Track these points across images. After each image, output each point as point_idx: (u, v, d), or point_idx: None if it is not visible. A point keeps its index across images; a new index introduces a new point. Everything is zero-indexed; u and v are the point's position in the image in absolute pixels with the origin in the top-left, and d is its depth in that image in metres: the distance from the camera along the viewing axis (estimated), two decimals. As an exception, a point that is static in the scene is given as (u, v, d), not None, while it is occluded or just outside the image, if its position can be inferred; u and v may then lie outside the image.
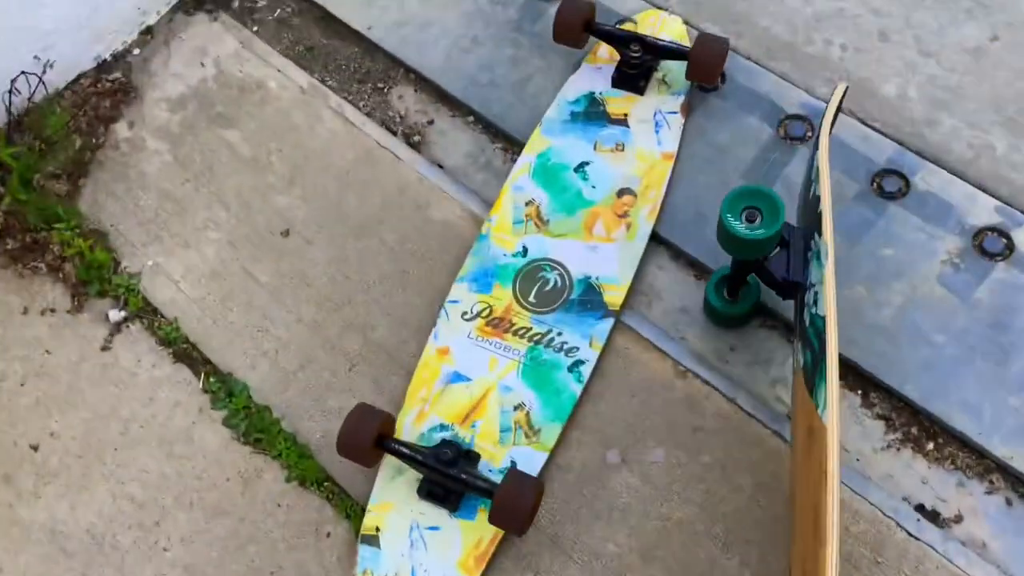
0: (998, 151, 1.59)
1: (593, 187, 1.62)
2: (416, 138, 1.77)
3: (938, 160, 1.60)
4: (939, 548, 1.33)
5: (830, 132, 1.36)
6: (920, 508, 1.38)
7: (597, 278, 1.55)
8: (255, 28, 1.93)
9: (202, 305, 1.63)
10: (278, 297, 1.62)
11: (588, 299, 1.53)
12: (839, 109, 1.38)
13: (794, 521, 1.30)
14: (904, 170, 1.59)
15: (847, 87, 1.39)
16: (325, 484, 1.48)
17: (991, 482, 1.39)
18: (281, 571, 1.42)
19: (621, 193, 1.61)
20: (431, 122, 1.79)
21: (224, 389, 1.56)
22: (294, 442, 1.51)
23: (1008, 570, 1.32)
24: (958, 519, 1.36)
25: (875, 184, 1.59)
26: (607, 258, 1.56)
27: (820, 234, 1.24)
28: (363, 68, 1.86)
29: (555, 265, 1.56)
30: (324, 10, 1.91)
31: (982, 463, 1.40)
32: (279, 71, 1.84)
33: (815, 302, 1.22)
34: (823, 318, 1.17)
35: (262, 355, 1.58)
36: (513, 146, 1.73)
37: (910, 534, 1.34)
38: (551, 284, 1.55)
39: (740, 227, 1.25)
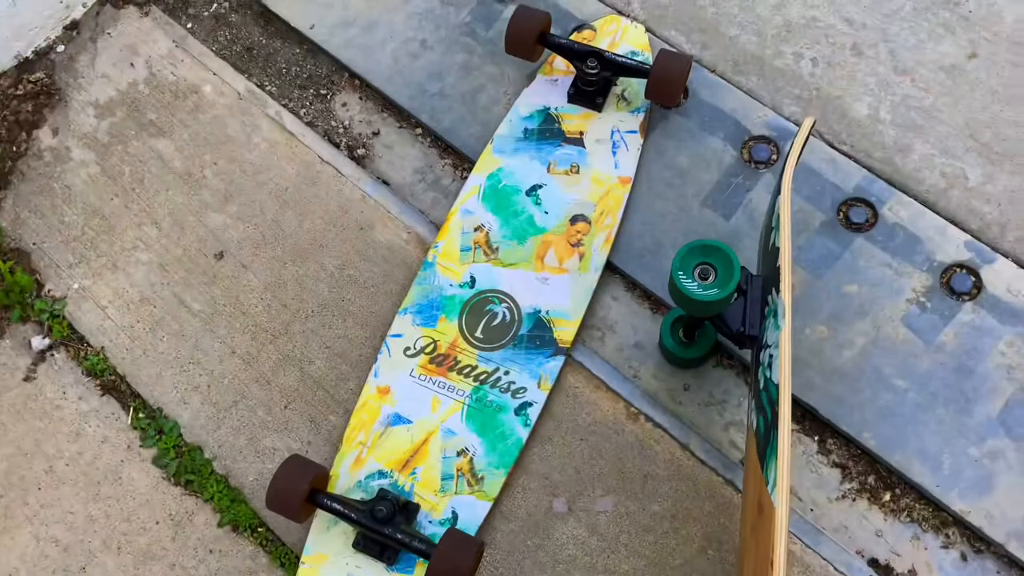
0: (971, 181, 1.51)
1: (546, 213, 1.53)
2: (360, 151, 1.66)
3: (908, 189, 1.52)
4: (892, 607, 1.29)
5: (793, 174, 1.27)
6: (873, 563, 1.33)
7: (548, 312, 1.47)
8: (190, 25, 1.79)
9: (131, 334, 1.54)
10: (211, 326, 1.53)
11: (538, 335, 1.46)
12: (804, 145, 1.29)
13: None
14: (872, 199, 1.51)
15: (814, 121, 1.30)
16: (259, 530, 1.41)
17: (947, 536, 1.34)
18: (212, 622, 1.37)
19: (575, 220, 1.52)
20: (376, 133, 1.68)
21: (154, 426, 1.48)
22: (226, 484, 1.44)
23: (961, 629, 1.28)
24: (911, 574, 1.32)
25: (841, 214, 1.51)
26: (559, 290, 1.48)
27: (778, 291, 1.16)
28: (305, 72, 1.74)
29: (504, 298, 1.48)
30: (264, 6, 1.78)
31: (939, 516, 1.35)
32: (215, 74, 1.72)
33: (770, 365, 1.15)
34: (777, 386, 1.10)
35: (193, 389, 1.50)
36: (463, 162, 1.64)
37: (862, 588, 1.31)
38: (499, 318, 1.47)
39: (693, 287, 1.17)
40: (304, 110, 1.71)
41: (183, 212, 1.62)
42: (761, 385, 1.19)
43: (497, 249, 1.51)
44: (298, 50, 1.76)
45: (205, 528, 1.42)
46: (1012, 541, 1.31)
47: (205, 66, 1.73)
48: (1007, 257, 1.46)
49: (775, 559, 1.01)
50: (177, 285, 1.57)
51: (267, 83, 1.73)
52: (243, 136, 1.67)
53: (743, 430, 1.43)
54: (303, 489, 1.28)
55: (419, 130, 1.67)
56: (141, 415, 1.49)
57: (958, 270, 1.46)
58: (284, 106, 1.70)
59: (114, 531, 1.43)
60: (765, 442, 1.13)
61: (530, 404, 1.41)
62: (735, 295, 1.25)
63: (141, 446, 1.48)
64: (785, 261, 1.16)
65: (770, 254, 1.24)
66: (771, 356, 1.15)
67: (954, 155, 1.53)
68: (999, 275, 1.45)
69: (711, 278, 1.18)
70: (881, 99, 1.59)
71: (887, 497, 1.37)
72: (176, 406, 1.49)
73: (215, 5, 1.81)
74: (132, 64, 1.74)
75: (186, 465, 1.45)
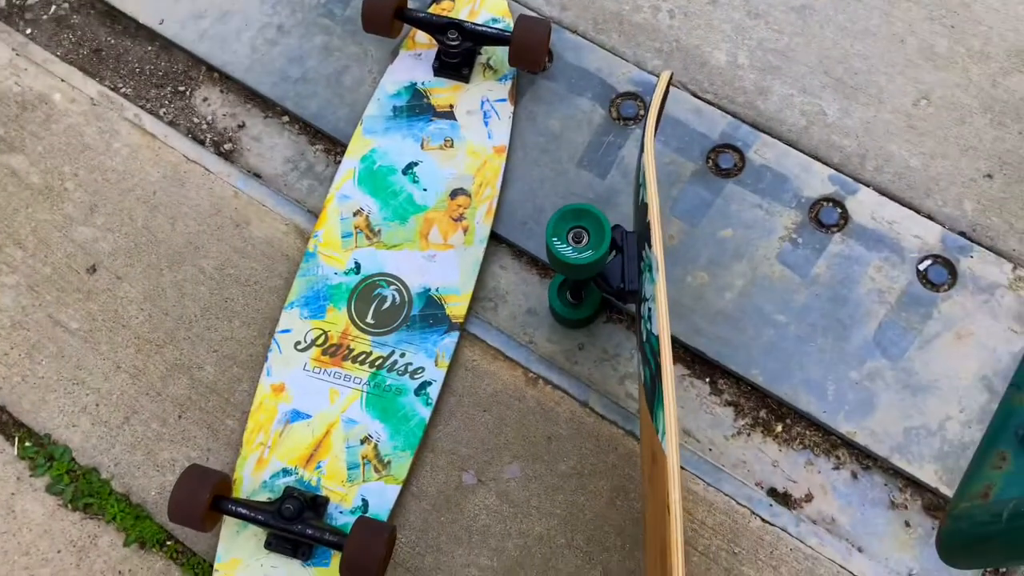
0: (829, 117, 1.57)
1: (424, 190, 1.52)
2: (227, 146, 1.62)
3: (771, 131, 1.57)
4: (792, 531, 1.36)
5: (655, 131, 1.29)
6: (772, 492, 1.40)
7: (437, 290, 1.47)
8: (29, 31, 1.70)
9: (6, 362, 1.47)
10: (92, 343, 1.48)
11: (430, 314, 1.46)
12: (664, 101, 1.32)
13: (645, 529, 1.30)
14: (739, 144, 1.56)
15: (671, 76, 1.33)
16: (168, 544, 1.38)
17: (837, 458, 1.41)
18: (130, 643, 1.34)
19: (455, 194, 1.52)
20: (242, 126, 1.63)
21: (43, 453, 1.43)
22: (128, 503, 1.40)
23: (856, 542, 1.36)
24: (808, 498, 1.39)
25: (710, 161, 1.55)
26: (446, 267, 1.48)
27: (650, 245, 1.19)
28: (159, 70, 1.67)
29: (391, 280, 1.47)
30: (108, 4, 1.70)
31: (828, 440, 1.42)
32: (63, 81, 1.64)
33: (649, 318, 1.18)
34: (657, 337, 1.13)
35: (81, 411, 1.45)
36: (335, 147, 1.61)
37: (764, 520, 1.36)
38: (389, 302, 1.46)
39: (567, 251, 1.19)
40: (163, 110, 1.65)
41: (47, 228, 1.55)
42: (644, 338, 1.22)
43: (379, 232, 1.50)
44: (150, 48, 1.69)
45: (111, 550, 1.38)
46: (895, 454, 1.39)
47: (51, 73, 1.64)
48: (868, 186, 1.53)
49: (670, 505, 1.05)
50: (50, 305, 1.50)
51: (121, 85, 1.66)
52: (102, 143, 1.60)
53: (637, 381, 1.46)
54: (205, 498, 1.25)
55: (286, 118, 1.64)
56: (28, 444, 1.43)
57: (825, 204, 1.52)
58: (142, 107, 1.63)
59: (13, 567, 1.38)
60: (652, 393, 1.16)
61: (429, 383, 1.42)
62: (610, 254, 1.27)
63: (32, 476, 1.42)
64: (654, 216, 1.19)
65: (640, 210, 1.27)
66: (650, 309, 1.19)
67: (811, 93, 1.59)
68: (862, 204, 1.52)
69: (584, 241, 1.20)
70: (738, 44, 1.63)
71: (779, 428, 1.43)
72: (65, 430, 1.44)
73: (54, 7, 1.72)
74: (-29, 78, 1.64)
75: (82, 489, 1.41)
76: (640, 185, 1.26)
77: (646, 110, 1.58)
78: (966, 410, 1.40)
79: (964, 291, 1.46)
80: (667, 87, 1.33)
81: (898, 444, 1.39)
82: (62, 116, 1.62)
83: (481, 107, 1.57)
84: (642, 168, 1.24)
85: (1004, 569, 1.35)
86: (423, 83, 1.59)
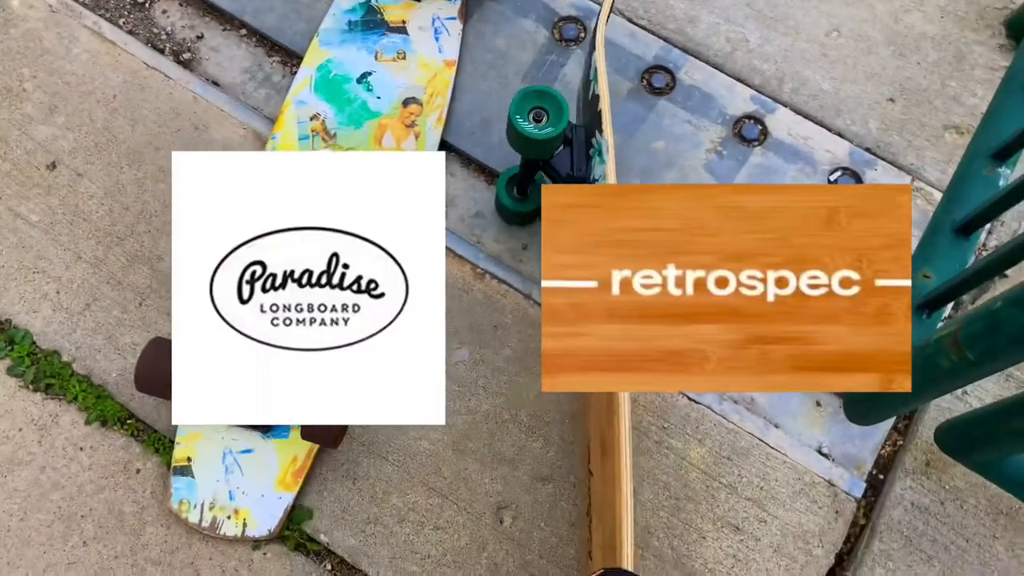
0: (751, 44, 1.72)
1: (378, 98, 1.62)
2: (186, 56, 1.68)
3: (700, 55, 1.71)
4: (716, 409, 1.49)
5: (604, 33, 1.42)
6: (698, 375, 1.53)
7: (390, 189, 1.56)
8: (-13, -61, 1.73)
9: (-35, 251, 1.51)
10: (53, 235, 1.52)
11: (382, 211, 1.55)
12: (612, 10, 1.44)
13: (588, 405, 1.41)
14: (670, 66, 1.69)
15: (612, -12, 1.45)
16: (128, 422, 1.44)
17: (756, 345, 1.56)
18: (92, 513, 1.39)
19: (407, 103, 1.62)
20: (201, 37, 1.70)
21: (3, 338, 1.47)
22: (89, 383, 1.45)
23: (773, 420, 1.50)
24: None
25: (645, 81, 1.69)
26: (398, 169, 1.58)
27: (601, 131, 1.31)
28: (119, -19, 1.73)
29: (346, 179, 1.56)
30: (66, -84, 1.75)
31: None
32: (22, -13, 1.68)
33: (595, 197, 1.30)
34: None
35: (42, 298, 1.49)
36: (292, 59, 1.69)
37: (690, 399, 1.50)
38: (344, 199, 1.55)
39: (529, 127, 1.29)
40: (123, 19, 1.70)
41: (6, 127, 1.58)
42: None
43: (335, 135, 1.58)
44: (109, -40, 1.75)
45: (72, 428, 1.43)
46: (807, 341, 1.54)
47: (10, -20, 1.68)
48: (786, 106, 1.68)
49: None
50: (11, 199, 1.54)
51: (80, -6, 1.71)
52: (61, 48, 1.64)
53: (578, 278, 1.58)
54: (170, 365, 1.32)
55: (244, 31, 1.71)
56: (-12, 329, 1.48)
57: (747, 121, 1.67)
58: (102, 16, 1.68)
59: (-26, 445, 1.42)
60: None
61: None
62: (562, 140, 1.38)
63: (-8, 359, 1.46)
64: (605, 105, 1.31)
65: (590, 102, 1.38)
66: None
67: (735, 22, 1.74)
68: (780, 122, 1.67)
69: (544, 120, 1.31)
70: (670, -23, 1.77)
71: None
72: (25, 316, 1.48)
73: (12, -82, 1.76)
74: (-73, -18, 1.67)
75: (44, 370, 1.45)
76: (591, 80, 1.38)
77: (586, 32, 1.70)
78: (869, 302, 1.56)
79: (869, 199, 1.62)
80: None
81: (810, 332, 1.54)
82: (20, 21, 1.66)
83: (432, 24, 1.67)
84: (593, 65, 1.36)
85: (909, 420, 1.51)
86: (377, 0, 1.68)
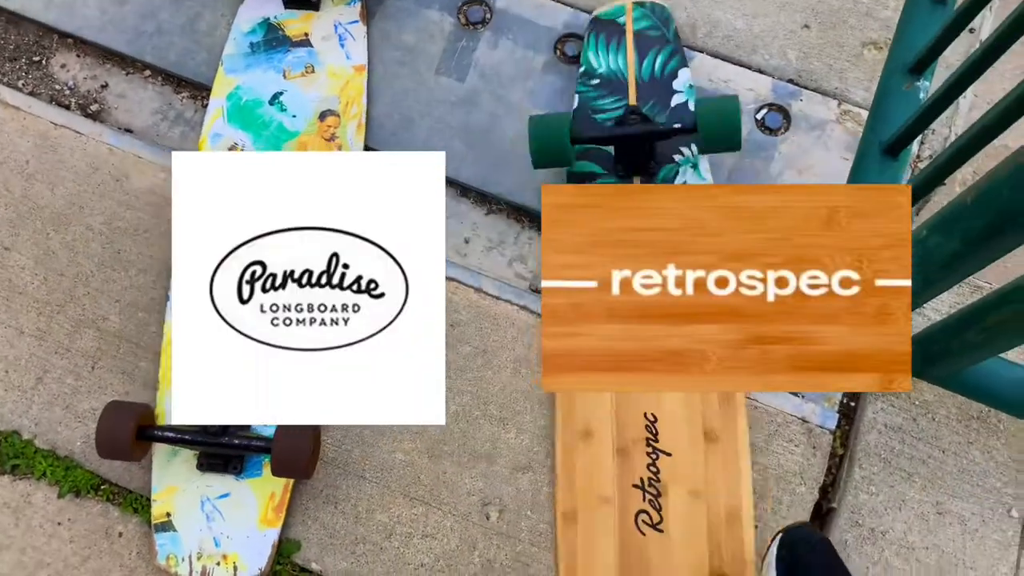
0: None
1: (293, 116, 1.59)
2: (94, 107, 1.64)
3: (608, 15, 1.69)
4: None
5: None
6: (658, 337, 1.53)
7: (321, 207, 1.54)
8: None
9: (-95, 346, 1.49)
10: (-10, 314, 1.50)
11: (318, 230, 1.53)
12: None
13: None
14: (581, 31, 1.67)
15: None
16: (102, 488, 1.44)
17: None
18: (82, 585, 1.39)
19: (323, 116, 1.59)
20: (105, 86, 1.66)
21: (-40, 426, 1.45)
22: (55, 457, 1.44)
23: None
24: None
25: (558, 51, 1.66)
26: (326, 185, 1.56)
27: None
28: (10, 43, 1.68)
29: (276, 205, 1.54)
30: (-57, -14, 1.70)
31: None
32: (-89, 67, 1.64)
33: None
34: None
35: (-8, 380, 1.48)
36: (201, 92, 1.66)
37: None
38: (277, 225, 1.53)
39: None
40: (22, 81, 1.66)
41: (-77, 213, 1.55)
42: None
43: (256, 163, 1.56)
44: (-4, 23, 1.70)
45: (46, 504, 1.43)
46: (760, 284, 1.54)
47: (-102, 62, 1.64)
48: (702, 52, 1.66)
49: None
50: (-60, 286, 1.52)
51: (-27, 63, 1.67)
52: (-36, 122, 1.61)
53: (525, 262, 1.58)
54: (130, 427, 1.31)
55: (147, 72, 1.67)
56: (-57, 421, 1.46)
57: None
58: (-1, 82, 1.65)
59: (-48, 538, 1.41)
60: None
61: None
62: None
63: (-47, 450, 1.45)
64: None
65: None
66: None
67: (639, -24, 1.71)
68: (700, 69, 1.65)
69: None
70: (567, -59, 1.74)
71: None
72: (-22, 401, 1.47)
73: None
74: None
75: (6, 452, 1.44)
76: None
77: (492, 13, 1.68)
78: (815, 235, 1.56)
79: (798, 131, 1.62)
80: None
81: (761, 275, 1.54)
82: (-83, 102, 1.62)
83: (335, 31, 1.64)
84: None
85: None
86: (275, 17, 1.65)
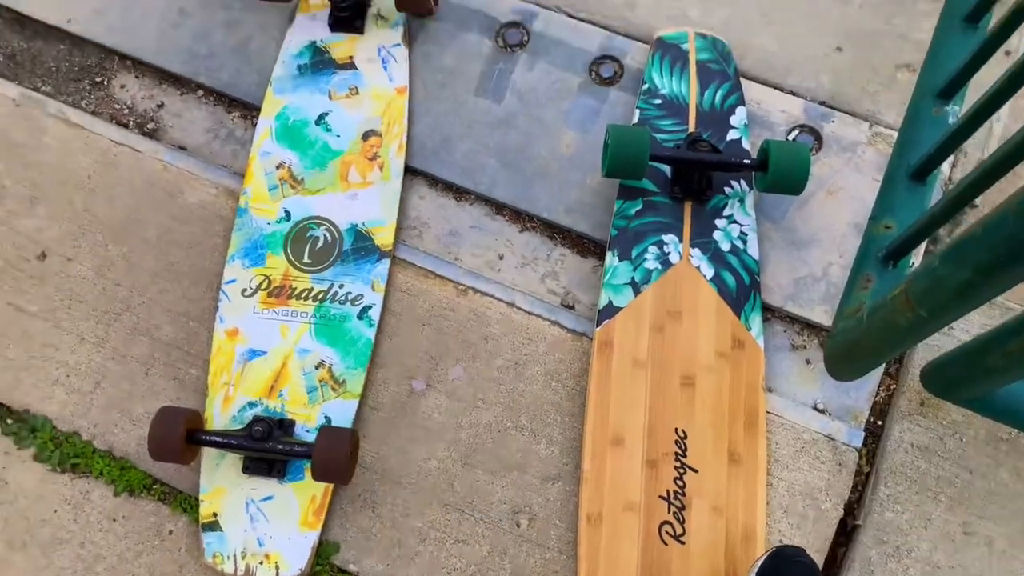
0: (693, 18, 1.74)
1: (338, 136, 1.66)
2: (151, 126, 1.73)
3: (643, 37, 1.73)
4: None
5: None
6: (687, 353, 1.57)
7: (364, 224, 1.61)
8: (-57, 47, 1.80)
9: (-25, 351, 1.59)
10: (54, 322, 1.60)
11: (360, 246, 1.60)
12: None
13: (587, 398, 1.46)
14: (616, 53, 1.72)
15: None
16: (154, 487, 1.52)
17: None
18: (135, 579, 1.47)
19: (366, 136, 1.66)
20: (161, 105, 1.75)
21: (25, 427, 1.55)
22: (112, 457, 1.53)
23: (767, 383, 1.54)
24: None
25: (593, 73, 1.71)
26: (369, 202, 1.62)
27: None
28: (75, 65, 1.78)
29: (320, 221, 1.61)
30: (14, 11, 1.80)
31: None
32: (-16, 88, 1.74)
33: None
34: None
35: (54, 383, 1.57)
36: (251, 111, 1.74)
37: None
38: (321, 241, 1.60)
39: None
40: (85, 101, 1.76)
41: (-8, 226, 1.66)
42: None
43: (302, 180, 1.63)
44: (62, 46, 1.80)
45: (103, 501, 1.51)
46: (789, 303, 1.57)
47: (-29, 82, 1.75)
48: (745, 76, 1.70)
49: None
50: (9, 294, 1.61)
51: (40, 85, 1.77)
52: (31, 140, 1.70)
53: (557, 279, 1.62)
54: (180, 432, 1.39)
55: (200, 92, 1.76)
56: (9, 421, 1.55)
57: (699, 95, 1.69)
58: (64, 102, 1.74)
59: (15, 531, 1.50)
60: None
61: (370, 307, 1.56)
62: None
63: (18, 449, 1.54)
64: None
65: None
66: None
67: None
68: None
69: None
70: (603, -35, 1.78)
71: (686, 298, 1.60)
72: (42, 403, 1.56)
73: (-37, 22, 1.82)
74: None
75: (67, 452, 1.53)
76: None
77: (529, 36, 1.73)
78: (845, 255, 1.58)
79: (830, 152, 1.64)
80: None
81: (790, 294, 1.57)
82: (-11, 121, 1.72)
83: (379, 54, 1.70)
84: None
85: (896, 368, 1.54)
86: (322, 40, 1.72)
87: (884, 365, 1.55)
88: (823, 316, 1.56)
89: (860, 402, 1.52)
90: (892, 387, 1.55)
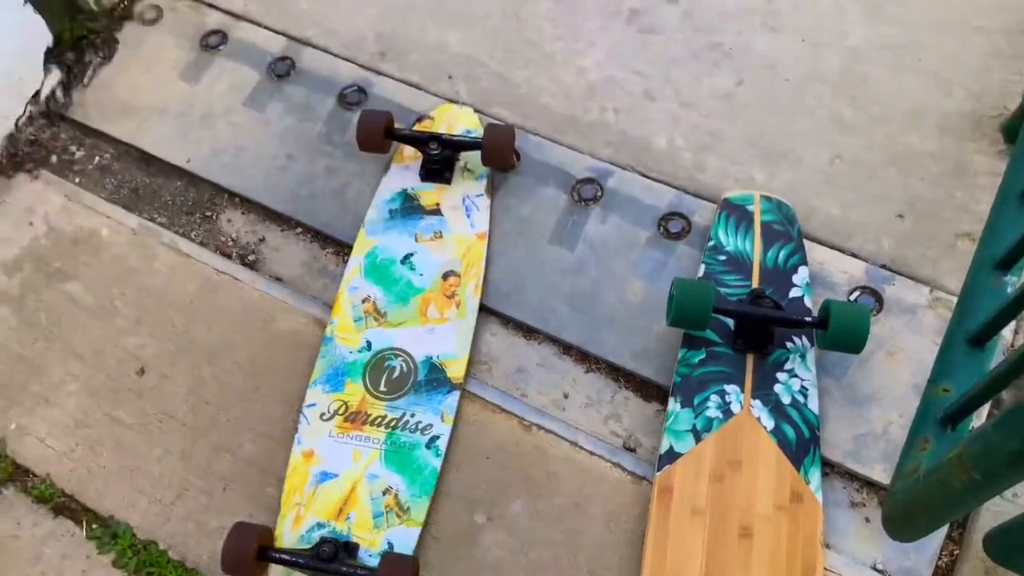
0: (758, 181, 1.85)
1: (421, 275, 1.78)
2: (251, 257, 1.89)
3: (711, 197, 1.84)
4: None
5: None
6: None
7: (438, 357, 1.71)
8: (77, 180, 2.01)
9: (72, 456, 1.70)
10: (145, 434, 1.71)
11: (433, 378, 1.69)
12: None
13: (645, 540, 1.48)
14: (684, 211, 1.83)
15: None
16: (221, 601, 1.57)
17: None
18: None
19: (446, 276, 1.78)
20: (263, 240, 1.91)
21: (108, 533, 1.63)
22: (184, 568, 1.60)
23: (825, 540, 1.54)
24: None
25: (662, 228, 1.82)
26: (444, 337, 1.73)
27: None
28: (189, 200, 1.97)
29: (398, 353, 1.71)
30: (141, 151, 2.02)
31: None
32: (108, 217, 1.93)
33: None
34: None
35: (138, 492, 1.66)
36: (343, 249, 1.88)
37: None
38: (398, 371, 1.70)
39: None
40: (194, 232, 1.93)
41: (101, 341, 1.80)
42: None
43: (385, 314, 1.75)
44: (179, 183, 2.00)
45: (172, 612, 1.57)
46: (848, 459, 1.59)
47: (98, 212, 1.94)
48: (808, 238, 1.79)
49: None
50: (107, 405, 1.74)
51: (157, 216, 1.95)
52: (144, 265, 1.87)
53: (620, 421, 1.68)
54: (252, 548, 1.45)
55: (299, 229, 1.92)
56: (95, 526, 1.64)
57: (763, 253, 1.78)
58: (176, 233, 1.92)
59: (88, 636, 1.56)
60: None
61: (438, 437, 1.63)
62: None
63: (99, 553, 1.62)
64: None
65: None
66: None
67: (741, 163, 1.87)
68: (795, 251, 1.77)
69: None
70: (675, 130, 1.92)
71: (746, 448, 1.63)
72: (125, 510, 1.65)
73: (97, 158, 2.04)
74: (31, 223, 1.94)
75: (144, 560, 1.61)
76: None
77: (603, 191, 1.86)
78: (904, 415, 1.61)
79: (890, 315, 1.70)
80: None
81: (850, 450, 1.60)
82: (109, 247, 1.90)
83: (463, 203, 1.85)
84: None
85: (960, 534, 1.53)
86: (413, 188, 1.88)
87: (947, 528, 1.54)
88: (883, 475, 1.57)
89: (921, 565, 1.51)
90: (955, 552, 1.53)
